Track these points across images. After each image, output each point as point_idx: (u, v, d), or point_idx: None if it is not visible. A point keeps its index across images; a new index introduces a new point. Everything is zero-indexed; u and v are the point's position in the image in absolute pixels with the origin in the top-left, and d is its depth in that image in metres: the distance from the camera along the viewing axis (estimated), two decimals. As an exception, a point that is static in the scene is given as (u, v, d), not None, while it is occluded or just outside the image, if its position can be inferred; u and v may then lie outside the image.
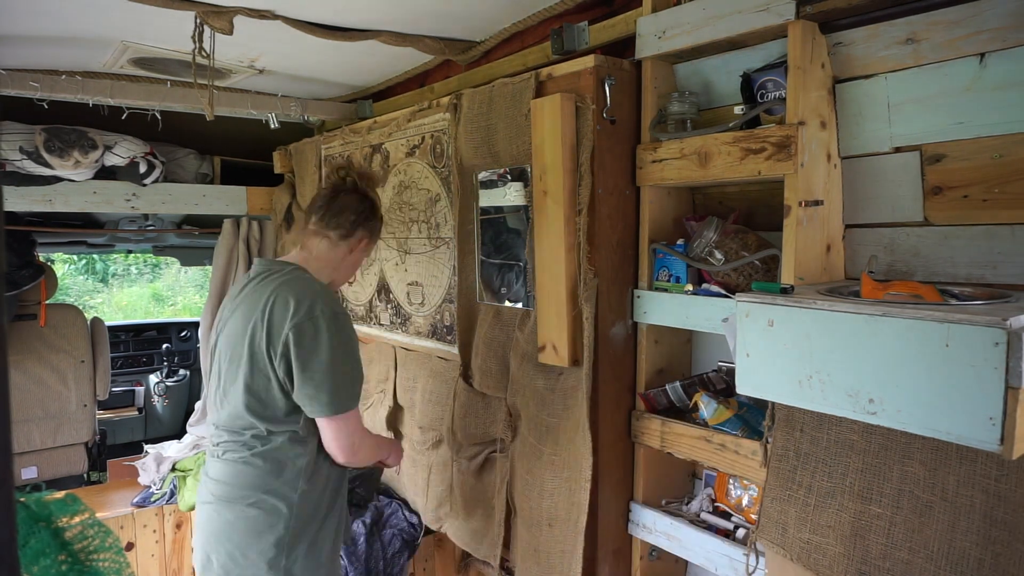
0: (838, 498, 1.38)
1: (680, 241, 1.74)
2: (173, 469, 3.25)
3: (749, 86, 1.56)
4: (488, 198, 2.07)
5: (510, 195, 2.00)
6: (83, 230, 3.74)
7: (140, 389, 4.90)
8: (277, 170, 3.34)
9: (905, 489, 1.29)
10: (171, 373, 5.06)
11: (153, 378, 4.98)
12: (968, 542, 1.20)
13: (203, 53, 1.98)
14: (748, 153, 1.48)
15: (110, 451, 4.00)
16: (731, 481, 1.78)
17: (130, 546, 3.15)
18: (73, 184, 2.91)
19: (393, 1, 1.89)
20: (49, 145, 2.70)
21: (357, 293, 2.83)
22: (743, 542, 1.63)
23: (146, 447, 3.48)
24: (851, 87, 1.45)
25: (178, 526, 3.27)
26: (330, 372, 1.64)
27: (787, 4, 1.40)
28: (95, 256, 11.24)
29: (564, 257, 1.72)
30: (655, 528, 1.81)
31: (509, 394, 1.96)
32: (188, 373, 5.09)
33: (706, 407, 1.69)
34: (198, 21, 1.91)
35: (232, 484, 1.70)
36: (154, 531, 3.22)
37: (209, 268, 3.94)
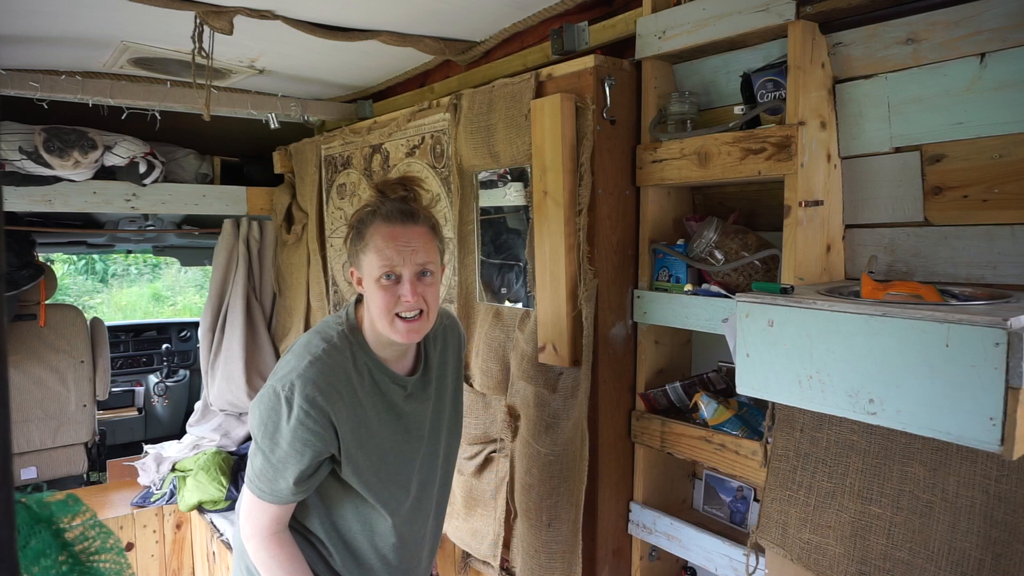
0: (838, 498, 1.38)
1: (680, 241, 1.74)
2: (173, 469, 3.25)
3: (749, 86, 1.56)
4: (488, 198, 2.07)
5: (510, 195, 2.00)
6: (83, 230, 3.73)
7: (140, 389, 4.89)
8: (277, 170, 3.34)
9: (905, 489, 1.29)
10: (171, 373, 5.06)
11: (153, 378, 4.98)
12: (968, 543, 1.20)
13: (203, 53, 1.98)
14: (748, 153, 1.48)
15: (110, 451, 4.00)
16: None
17: (130, 546, 3.15)
18: (73, 184, 2.91)
19: (393, 1, 1.89)
20: (49, 145, 2.69)
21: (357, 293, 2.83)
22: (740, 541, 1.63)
23: (146, 447, 3.48)
24: (851, 87, 1.45)
25: (178, 526, 3.27)
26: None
27: (787, 4, 1.40)
28: (95, 256, 11.23)
29: (564, 257, 1.72)
30: (655, 528, 1.81)
31: (509, 394, 1.96)
32: (188, 373, 5.09)
33: (706, 407, 1.69)
34: (198, 21, 1.91)
35: None
36: (154, 531, 3.22)
37: (209, 268, 3.94)
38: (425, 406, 1.58)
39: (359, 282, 1.47)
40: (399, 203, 1.45)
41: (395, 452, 1.53)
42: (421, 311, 1.43)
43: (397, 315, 1.42)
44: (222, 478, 3.05)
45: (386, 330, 1.43)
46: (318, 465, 1.43)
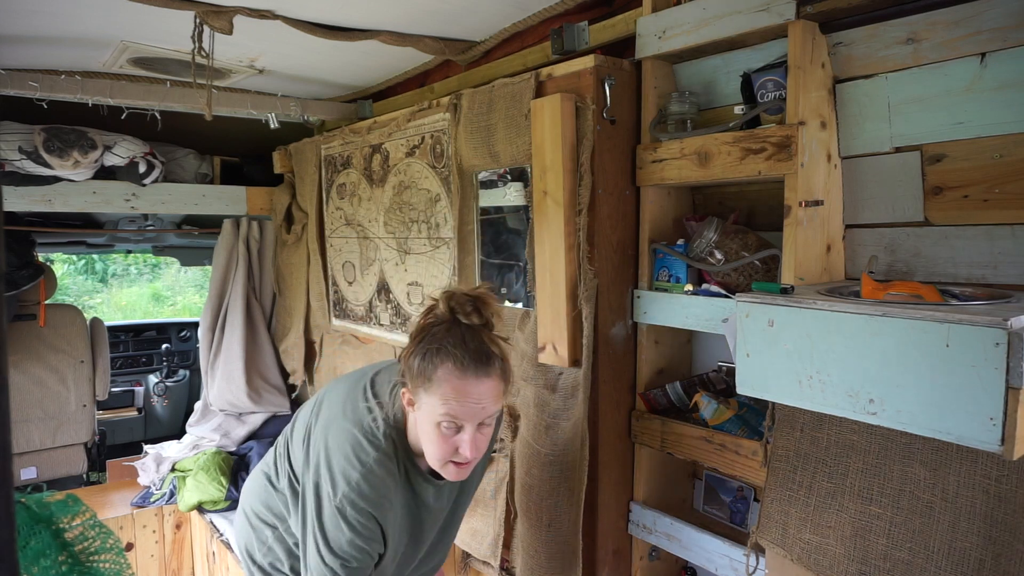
0: (839, 498, 1.38)
1: (680, 241, 1.74)
2: (173, 469, 3.25)
3: (749, 86, 1.56)
4: (488, 198, 2.07)
5: (510, 195, 2.00)
6: (83, 230, 3.73)
7: (140, 389, 4.89)
8: (277, 170, 3.34)
9: (906, 489, 1.29)
10: (171, 373, 5.06)
11: (153, 378, 4.98)
12: (969, 543, 1.20)
13: (203, 53, 1.98)
14: (748, 153, 1.48)
15: (109, 451, 3.99)
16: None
17: (129, 546, 3.15)
18: (73, 184, 2.91)
19: (393, 1, 1.89)
20: (48, 145, 2.69)
21: (357, 293, 2.84)
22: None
23: (145, 447, 3.48)
24: (851, 87, 1.45)
25: (178, 526, 3.27)
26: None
27: (787, 4, 1.40)
28: (95, 256, 11.22)
29: (564, 257, 1.72)
30: (655, 528, 1.81)
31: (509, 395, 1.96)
32: (188, 373, 5.08)
33: (706, 407, 1.69)
34: (198, 21, 1.91)
35: None
36: (153, 531, 3.22)
37: (209, 268, 3.93)
38: (452, 496, 1.62)
39: (411, 404, 1.40)
40: (473, 339, 1.34)
41: (414, 543, 1.57)
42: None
43: (451, 460, 1.39)
44: (222, 478, 3.04)
45: (436, 467, 1.42)
46: None
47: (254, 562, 1.69)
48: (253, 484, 1.74)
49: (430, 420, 1.35)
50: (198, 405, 3.59)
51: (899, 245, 1.43)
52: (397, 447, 1.45)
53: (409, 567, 1.61)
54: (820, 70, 1.43)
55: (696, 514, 1.95)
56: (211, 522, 2.98)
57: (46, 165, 2.74)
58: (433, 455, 1.39)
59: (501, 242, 2.07)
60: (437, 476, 1.53)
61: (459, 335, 1.34)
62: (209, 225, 3.76)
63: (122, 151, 2.90)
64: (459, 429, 1.35)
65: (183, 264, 5.52)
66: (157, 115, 2.73)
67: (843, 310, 1.10)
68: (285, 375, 3.44)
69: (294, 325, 3.29)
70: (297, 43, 2.18)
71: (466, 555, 2.17)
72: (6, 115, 2.71)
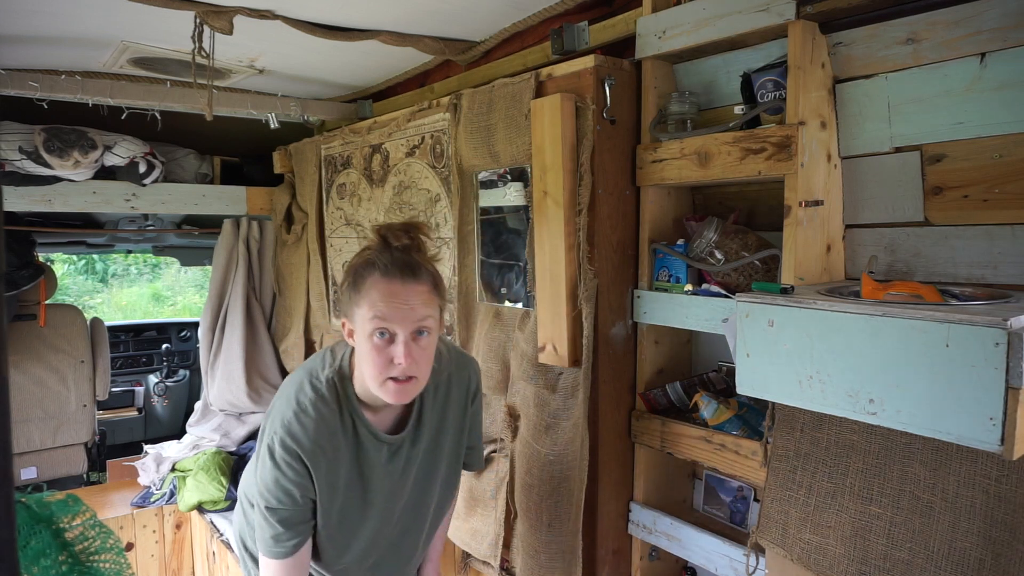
0: (839, 498, 1.38)
1: (680, 241, 1.74)
2: (173, 469, 3.25)
3: (749, 86, 1.56)
4: (488, 198, 2.07)
5: (510, 195, 2.00)
6: (83, 230, 3.73)
7: (140, 389, 4.89)
8: (277, 170, 3.34)
9: (906, 489, 1.29)
10: (171, 373, 5.06)
11: (153, 378, 4.98)
12: (969, 543, 1.20)
13: (203, 53, 1.98)
14: (748, 153, 1.48)
15: (109, 451, 3.99)
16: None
17: (130, 546, 3.15)
18: (73, 184, 2.91)
19: (393, 1, 1.89)
20: (49, 145, 2.69)
21: (357, 293, 2.83)
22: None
23: (146, 447, 3.48)
24: (851, 87, 1.45)
25: (178, 526, 3.27)
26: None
27: (787, 4, 1.40)
28: (95, 256, 11.22)
29: (564, 257, 1.72)
30: (655, 528, 1.81)
31: (509, 394, 1.96)
32: (188, 373, 5.08)
33: (706, 407, 1.69)
34: (198, 21, 1.91)
35: None
36: (154, 531, 3.22)
37: (209, 268, 3.94)
38: (410, 466, 1.55)
39: (351, 334, 1.40)
40: (401, 254, 1.36)
41: (362, 503, 1.52)
42: (412, 376, 1.36)
43: (389, 377, 1.35)
44: (222, 478, 3.04)
45: (376, 391, 1.38)
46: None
47: (246, 549, 1.69)
48: (249, 468, 1.74)
49: (364, 335, 1.34)
50: (198, 405, 3.59)
51: (899, 245, 1.43)
52: (340, 395, 1.43)
53: (360, 532, 1.55)
54: (820, 70, 1.43)
55: (696, 514, 1.95)
56: (211, 522, 2.98)
57: (46, 165, 2.74)
58: (371, 374, 1.35)
59: (501, 242, 2.07)
60: (393, 432, 1.50)
61: (388, 253, 1.36)
62: (209, 225, 3.76)
63: (122, 151, 2.90)
64: (392, 339, 1.33)
65: (183, 264, 5.52)
66: (157, 115, 2.73)
67: (843, 310, 1.10)
68: (285, 375, 3.44)
69: (294, 325, 3.29)
70: (297, 43, 2.18)
71: (466, 555, 2.17)
72: (6, 115, 2.71)
